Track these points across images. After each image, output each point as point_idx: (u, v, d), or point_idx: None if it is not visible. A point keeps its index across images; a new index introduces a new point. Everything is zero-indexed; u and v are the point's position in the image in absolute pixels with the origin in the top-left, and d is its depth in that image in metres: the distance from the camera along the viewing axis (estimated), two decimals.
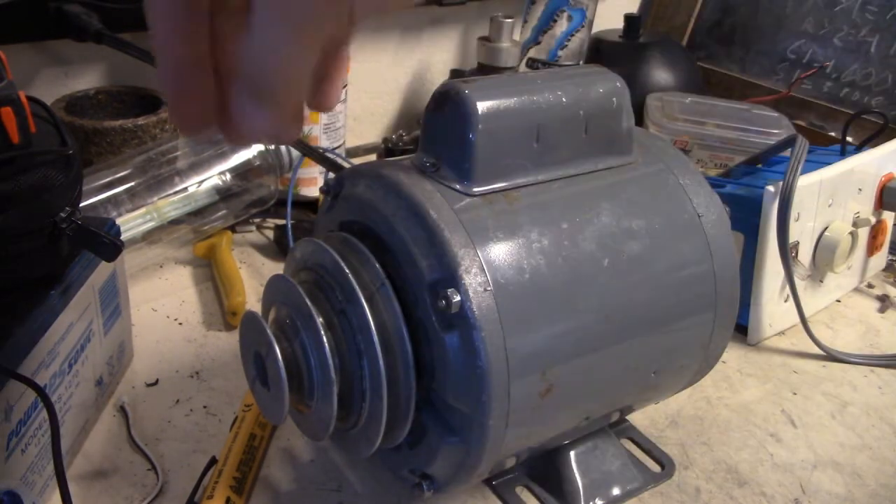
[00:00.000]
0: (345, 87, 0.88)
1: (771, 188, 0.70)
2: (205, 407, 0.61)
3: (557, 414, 0.48)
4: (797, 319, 0.77)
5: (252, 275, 0.78)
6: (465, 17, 1.08)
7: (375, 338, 0.44)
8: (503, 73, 0.95)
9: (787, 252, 0.69)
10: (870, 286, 0.86)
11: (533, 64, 1.04)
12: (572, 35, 1.02)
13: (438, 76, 1.11)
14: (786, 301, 0.75)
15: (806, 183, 0.70)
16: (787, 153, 0.73)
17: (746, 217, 0.69)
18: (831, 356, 0.73)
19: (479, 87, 0.46)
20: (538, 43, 1.03)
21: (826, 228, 0.75)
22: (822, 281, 0.79)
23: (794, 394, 0.69)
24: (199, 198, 0.76)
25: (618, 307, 0.47)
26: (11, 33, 0.72)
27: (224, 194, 0.78)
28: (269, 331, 0.45)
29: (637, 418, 0.63)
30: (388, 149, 0.99)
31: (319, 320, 0.45)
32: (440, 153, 0.47)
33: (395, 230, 0.45)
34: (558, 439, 0.53)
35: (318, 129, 0.87)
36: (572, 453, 0.55)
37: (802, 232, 0.73)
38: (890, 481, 0.60)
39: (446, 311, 0.42)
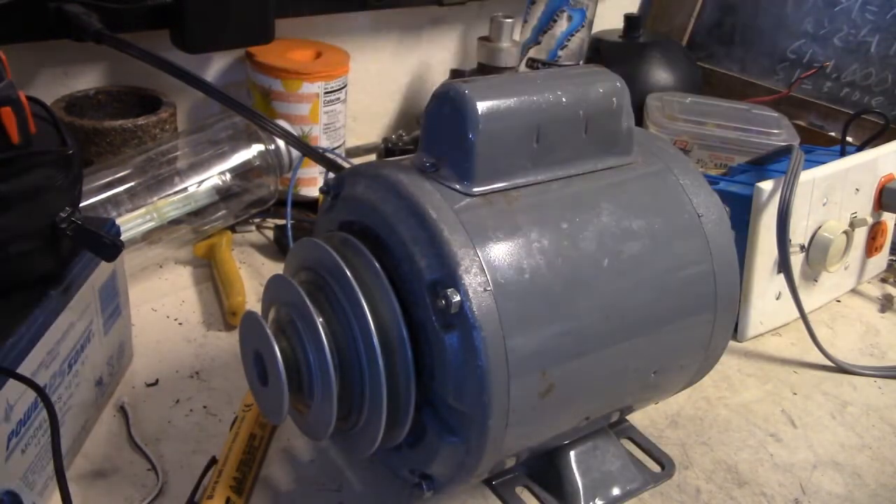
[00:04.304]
0: (345, 87, 0.88)
1: (762, 186, 0.70)
2: (205, 407, 0.61)
3: (557, 414, 0.48)
4: (790, 318, 0.77)
5: (252, 275, 0.78)
6: (465, 17, 1.08)
7: (375, 338, 0.44)
8: (503, 73, 0.95)
9: (788, 262, 0.69)
10: (870, 287, 0.86)
11: (533, 64, 1.04)
12: (572, 35, 1.02)
13: (438, 76, 1.11)
14: (777, 299, 0.75)
15: (799, 181, 0.70)
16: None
17: (738, 214, 0.69)
18: (838, 366, 0.72)
19: (479, 87, 0.46)
20: (538, 43, 1.03)
21: (820, 227, 0.75)
22: (816, 280, 0.79)
23: (794, 394, 0.69)
24: (199, 198, 0.76)
25: (617, 307, 0.47)
26: (11, 33, 0.72)
27: (224, 194, 0.78)
28: (268, 331, 0.45)
29: (637, 418, 0.63)
30: (388, 149, 0.99)
31: (319, 320, 0.45)
32: (440, 153, 0.47)
33: (394, 230, 0.45)
34: (558, 439, 0.53)
35: (318, 129, 0.87)
36: (572, 453, 0.55)
37: (795, 230, 0.73)
38: (890, 481, 0.60)
39: (446, 311, 0.42)
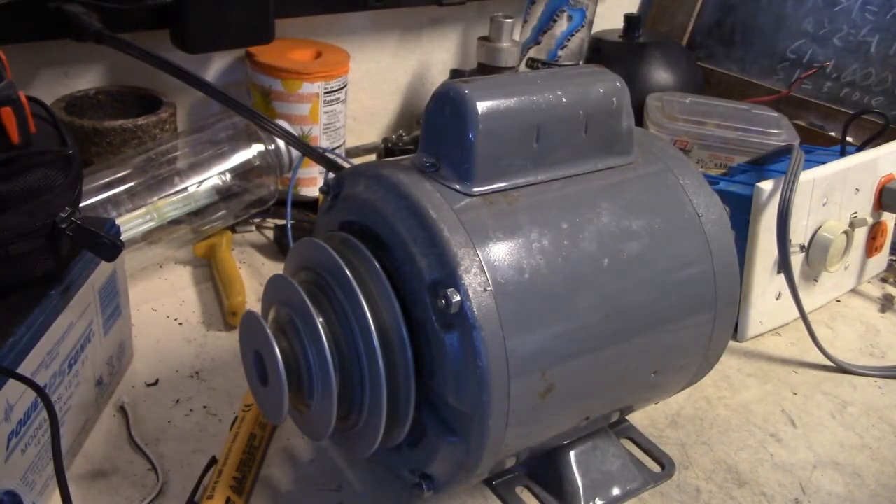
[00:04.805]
0: (345, 87, 0.88)
1: (762, 186, 0.70)
2: (205, 407, 0.61)
3: (557, 414, 0.48)
4: (790, 318, 0.77)
5: (252, 275, 0.78)
6: (465, 17, 1.08)
7: (375, 338, 0.44)
8: (503, 73, 0.95)
9: (789, 261, 0.69)
10: (870, 287, 0.86)
11: (533, 64, 1.04)
12: (572, 35, 1.02)
13: (438, 76, 1.11)
14: (777, 299, 0.75)
15: (799, 181, 0.70)
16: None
17: (738, 214, 0.69)
18: (838, 366, 0.72)
19: (479, 87, 0.46)
20: (538, 43, 1.03)
21: (820, 227, 0.75)
22: (816, 280, 0.79)
23: (794, 394, 0.69)
24: (199, 198, 0.76)
25: (617, 307, 0.47)
26: (11, 33, 0.72)
27: (224, 194, 0.78)
28: (268, 330, 0.45)
29: (637, 418, 0.63)
30: (388, 149, 0.99)
31: (319, 320, 0.45)
32: (440, 153, 0.47)
33: (394, 230, 0.45)
34: (558, 439, 0.53)
35: (318, 129, 0.87)
36: (572, 453, 0.55)
37: (795, 230, 0.73)
38: (890, 481, 0.60)
39: (446, 310, 0.42)
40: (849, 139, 0.84)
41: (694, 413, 0.65)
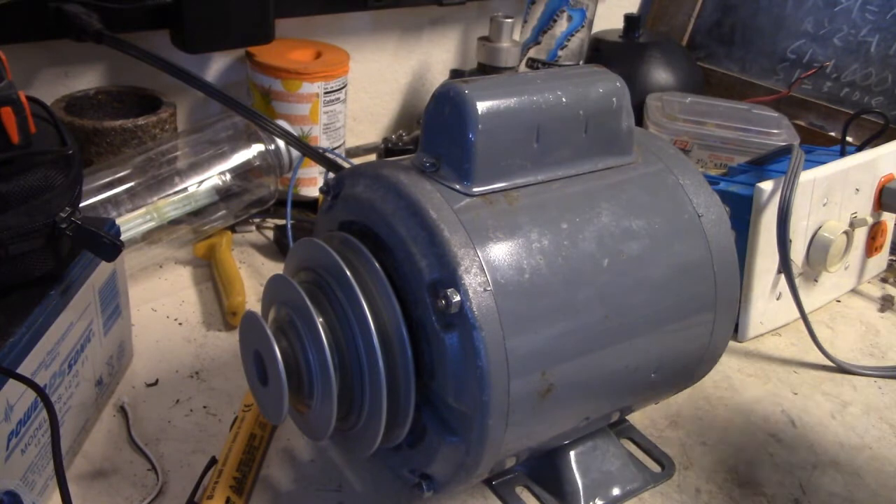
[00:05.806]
0: (345, 87, 0.88)
1: (762, 186, 0.70)
2: (205, 407, 0.61)
3: (557, 414, 0.48)
4: (790, 318, 0.77)
5: (252, 275, 0.78)
6: (465, 17, 1.08)
7: (375, 338, 0.44)
8: (503, 73, 0.95)
9: (789, 261, 0.69)
10: (870, 287, 0.86)
11: (533, 64, 1.04)
12: (572, 35, 1.02)
13: (438, 76, 1.11)
14: (777, 299, 0.75)
15: (799, 181, 0.70)
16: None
17: (738, 214, 0.69)
18: (838, 366, 0.72)
19: (479, 87, 0.46)
20: (538, 43, 1.03)
21: (820, 227, 0.75)
22: (816, 280, 0.79)
23: (795, 394, 0.69)
24: (199, 198, 0.76)
25: (618, 307, 0.47)
26: (11, 33, 0.72)
27: (224, 194, 0.78)
28: (268, 330, 0.45)
29: (637, 418, 0.63)
30: (388, 149, 0.99)
31: (319, 320, 0.45)
32: (440, 153, 0.47)
33: (394, 230, 0.45)
34: (558, 439, 0.53)
35: (318, 129, 0.87)
36: (572, 453, 0.55)
37: (795, 230, 0.73)
38: (890, 481, 0.60)
39: (446, 310, 0.42)
40: (849, 139, 0.84)
41: (694, 413, 0.65)
